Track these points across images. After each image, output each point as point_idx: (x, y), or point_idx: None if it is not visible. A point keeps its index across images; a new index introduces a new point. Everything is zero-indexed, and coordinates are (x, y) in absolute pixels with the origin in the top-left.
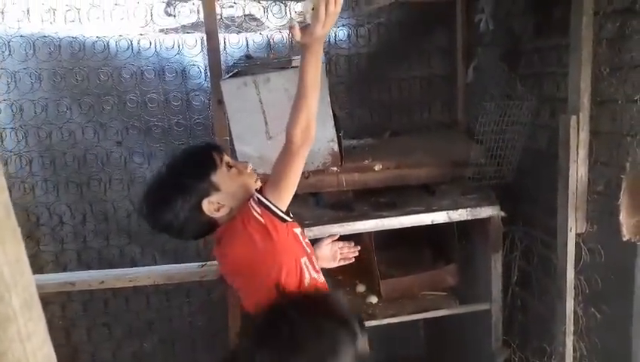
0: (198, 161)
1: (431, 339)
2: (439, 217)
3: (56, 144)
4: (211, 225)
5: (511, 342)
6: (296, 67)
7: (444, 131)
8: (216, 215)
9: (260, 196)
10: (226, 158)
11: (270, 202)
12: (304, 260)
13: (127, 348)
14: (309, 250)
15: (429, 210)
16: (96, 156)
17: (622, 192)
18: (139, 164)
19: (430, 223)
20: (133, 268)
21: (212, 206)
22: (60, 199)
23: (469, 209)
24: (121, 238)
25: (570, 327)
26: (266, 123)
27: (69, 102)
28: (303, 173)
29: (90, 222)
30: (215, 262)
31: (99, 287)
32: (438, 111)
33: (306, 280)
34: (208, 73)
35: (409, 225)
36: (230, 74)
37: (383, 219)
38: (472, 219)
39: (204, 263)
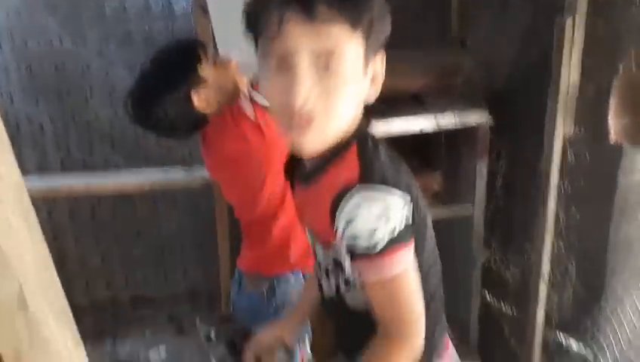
0: (184, 54)
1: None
2: (427, 123)
3: (33, 51)
4: (200, 121)
5: (492, 243)
6: None
7: (437, 42)
8: (206, 110)
9: (252, 90)
10: (211, 54)
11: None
12: None
13: (115, 254)
14: None
15: (416, 114)
16: (75, 64)
17: (612, 93)
18: (119, 74)
19: (419, 132)
20: (117, 172)
21: (201, 100)
22: (40, 107)
23: (456, 112)
24: (105, 147)
25: (550, 227)
26: None
27: (42, 10)
28: None
29: (72, 130)
30: (202, 171)
31: (85, 193)
32: (433, 21)
33: None
34: None
35: (397, 133)
36: None
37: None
38: (460, 128)
39: (188, 168)
